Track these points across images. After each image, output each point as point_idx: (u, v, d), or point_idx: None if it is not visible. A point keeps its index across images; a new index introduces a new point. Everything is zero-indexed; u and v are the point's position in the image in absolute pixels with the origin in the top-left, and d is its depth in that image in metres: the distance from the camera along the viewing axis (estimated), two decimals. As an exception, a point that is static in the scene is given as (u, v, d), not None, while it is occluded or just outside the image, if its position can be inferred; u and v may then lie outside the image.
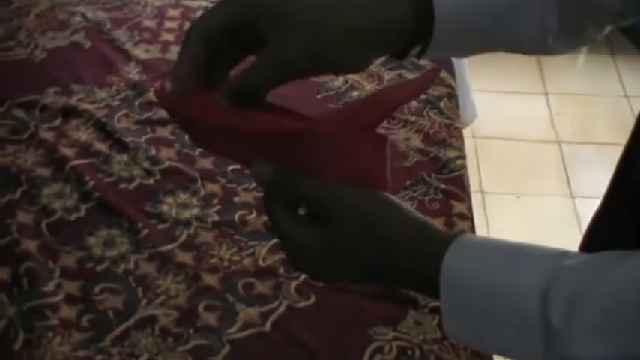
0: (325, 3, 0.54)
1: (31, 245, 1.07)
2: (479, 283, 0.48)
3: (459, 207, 1.16)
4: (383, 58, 1.45)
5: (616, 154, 0.82)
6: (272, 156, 0.57)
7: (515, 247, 0.50)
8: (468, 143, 2.34)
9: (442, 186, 1.19)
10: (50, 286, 1.02)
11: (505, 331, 0.47)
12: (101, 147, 1.23)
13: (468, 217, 1.14)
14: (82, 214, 1.13)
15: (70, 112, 1.29)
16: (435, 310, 1.02)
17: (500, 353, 0.51)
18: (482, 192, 2.23)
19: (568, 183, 2.29)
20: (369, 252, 0.53)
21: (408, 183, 1.19)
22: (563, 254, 0.48)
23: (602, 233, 0.84)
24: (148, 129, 1.27)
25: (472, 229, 1.13)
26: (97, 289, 1.03)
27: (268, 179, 0.56)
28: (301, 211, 0.57)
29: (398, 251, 0.52)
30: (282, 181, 0.55)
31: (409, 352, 0.97)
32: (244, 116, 0.56)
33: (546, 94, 2.63)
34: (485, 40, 0.62)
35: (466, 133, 2.36)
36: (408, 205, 0.55)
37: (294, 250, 0.55)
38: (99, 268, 1.06)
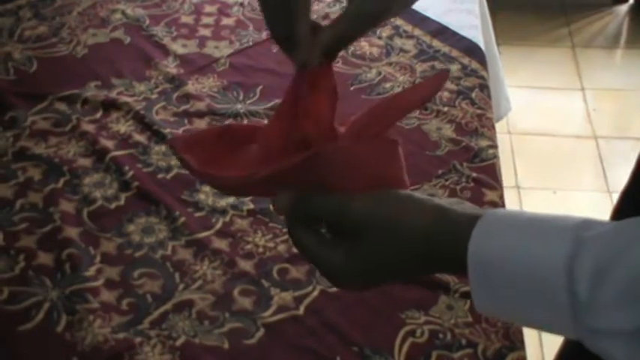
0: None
1: (73, 232, 1.11)
2: (504, 262, 0.48)
3: (490, 195, 1.16)
4: (415, 51, 1.46)
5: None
6: (292, 183, 0.58)
7: (539, 220, 0.49)
8: (504, 139, 2.35)
9: (473, 174, 1.20)
10: (91, 271, 1.05)
11: (534, 306, 0.48)
12: (140, 138, 1.27)
13: (500, 205, 1.15)
14: (122, 202, 1.16)
15: (110, 105, 1.33)
16: (466, 295, 1.03)
17: (533, 327, 0.51)
18: (518, 187, 2.23)
19: (605, 178, 2.28)
20: (398, 252, 0.54)
21: (440, 172, 1.20)
22: (585, 223, 0.47)
23: (628, 208, 0.84)
24: (185, 120, 1.31)
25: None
26: (135, 274, 1.06)
27: (288, 206, 0.58)
28: (324, 231, 0.58)
29: (426, 241, 0.53)
30: (300, 205, 0.57)
31: (440, 335, 0.99)
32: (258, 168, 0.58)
33: (583, 89, 2.62)
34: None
35: (502, 128, 2.37)
36: (421, 194, 0.56)
37: (328, 272, 0.57)
38: (138, 254, 1.09)
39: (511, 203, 1.14)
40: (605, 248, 0.45)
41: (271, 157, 0.59)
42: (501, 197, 1.17)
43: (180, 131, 1.28)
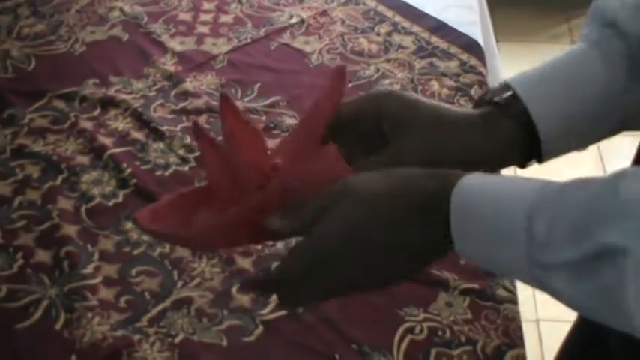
0: (442, 119, 0.61)
1: (71, 230, 1.10)
2: (479, 210, 0.53)
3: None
4: (413, 47, 1.46)
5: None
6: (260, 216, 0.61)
7: (509, 179, 0.55)
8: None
9: (473, 171, 1.19)
10: (89, 269, 1.05)
11: (499, 248, 0.53)
12: (138, 136, 1.26)
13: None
14: (120, 200, 1.16)
15: (108, 103, 1.33)
16: (466, 292, 1.03)
17: (496, 269, 0.58)
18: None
19: (604, 174, 2.27)
20: (373, 228, 0.56)
21: (438, 169, 1.20)
22: (548, 182, 0.53)
23: None
24: (184, 118, 1.30)
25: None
26: (134, 271, 1.06)
27: (287, 223, 0.60)
28: None
29: (404, 182, 0.56)
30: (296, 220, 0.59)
31: (440, 332, 0.99)
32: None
33: (582, 85, 2.61)
34: (597, 133, 0.66)
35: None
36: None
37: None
38: (136, 251, 1.08)
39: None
40: (560, 197, 0.51)
41: (224, 208, 0.63)
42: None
43: (177, 129, 1.27)
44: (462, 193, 0.54)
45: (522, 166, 0.65)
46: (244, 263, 1.07)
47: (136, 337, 0.97)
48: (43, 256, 1.07)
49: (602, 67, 0.63)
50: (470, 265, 1.07)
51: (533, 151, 0.63)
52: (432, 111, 0.62)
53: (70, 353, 0.95)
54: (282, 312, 1.00)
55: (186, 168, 1.21)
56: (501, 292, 1.02)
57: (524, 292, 1.10)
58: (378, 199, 0.56)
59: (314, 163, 0.61)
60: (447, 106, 0.64)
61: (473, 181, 0.55)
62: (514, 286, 1.04)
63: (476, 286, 1.04)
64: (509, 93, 0.63)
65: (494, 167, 0.64)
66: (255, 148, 0.66)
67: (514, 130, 0.62)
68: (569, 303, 0.51)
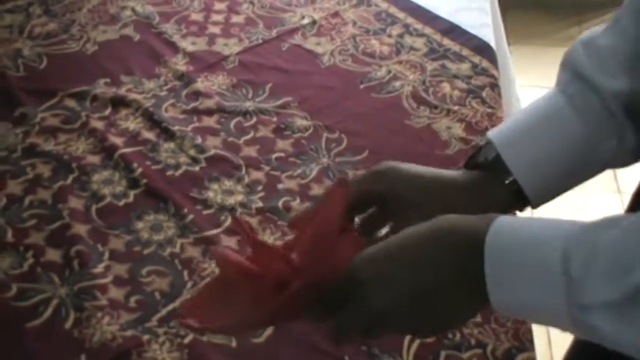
0: (435, 192, 0.67)
1: (81, 229, 1.10)
2: (514, 252, 0.53)
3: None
4: (425, 49, 1.46)
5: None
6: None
7: (538, 219, 0.55)
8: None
9: (484, 174, 1.19)
10: (99, 268, 1.05)
11: (535, 291, 0.51)
12: (149, 135, 1.26)
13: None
14: (130, 199, 1.16)
15: (119, 102, 1.33)
16: (476, 295, 1.02)
17: (535, 316, 0.55)
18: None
19: (615, 179, 2.26)
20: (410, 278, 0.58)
21: (450, 171, 1.20)
22: (576, 222, 0.53)
23: None
24: (195, 118, 1.30)
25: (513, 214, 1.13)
26: (144, 271, 1.06)
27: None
28: None
29: (448, 229, 0.57)
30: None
31: (450, 335, 0.98)
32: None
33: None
34: (580, 181, 0.71)
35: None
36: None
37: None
38: (146, 251, 1.08)
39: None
40: (594, 234, 0.51)
41: (262, 297, 0.67)
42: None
43: (188, 129, 1.27)
44: (493, 242, 0.54)
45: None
46: (254, 264, 1.06)
47: (146, 337, 0.97)
48: (53, 255, 1.07)
49: (579, 124, 0.67)
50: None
51: (522, 203, 0.69)
52: (429, 183, 0.68)
53: (80, 353, 0.95)
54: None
55: (197, 168, 1.21)
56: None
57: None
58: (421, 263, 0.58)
59: (333, 254, 0.66)
60: (441, 173, 0.70)
61: (504, 228, 0.54)
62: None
63: (486, 289, 1.03)
64: (493, 154, 0.68)
65: None
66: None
67: (505, 196, 0.68)
68: (612, 343, 0.50)
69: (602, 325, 0.49)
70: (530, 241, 0.53)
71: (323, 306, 0.62)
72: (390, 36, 1.50)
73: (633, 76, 0.66)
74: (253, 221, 1.13)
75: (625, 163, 0.71)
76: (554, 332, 1.49)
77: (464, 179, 0.69)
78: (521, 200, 0.68)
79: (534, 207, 0.69)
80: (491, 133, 0.70)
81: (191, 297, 0.79)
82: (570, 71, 0.69)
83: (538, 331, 1.02)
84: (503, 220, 0.55)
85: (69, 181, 1.18)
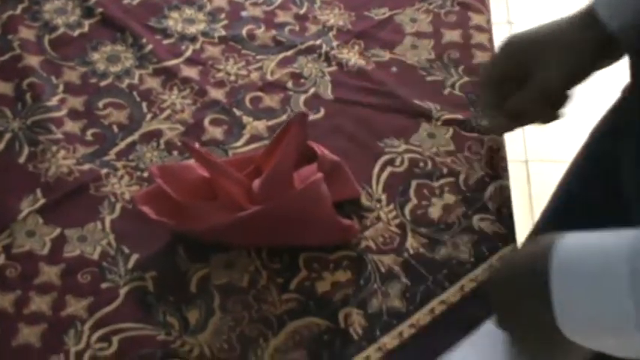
0: (558, 44, 0.70)
1: (33, 61, 1.04)
2: (581, 270, 0.51)
3: (476, 19, 1.09)
4: None
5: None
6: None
7: (597, 234, 0.52)
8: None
9: (460, -4, 1.12)
10: (54, 101, 1.00)
11: (603, 303, 0.49)
12: (104, -40, 1.17)
13: (487, 30, 1.08)
14: (85, 29, 1.09)
15: None
16: (449, 123, 0.98)
17: (602, 329, 0.51)
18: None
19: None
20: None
21: (423, -5, 1.12)
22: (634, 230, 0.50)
23: None
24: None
25: (489, 40, 1.07)
26: (100, 104, 1.01)
27: None
28: None
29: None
30: None
31: (421, 164, 0.94)
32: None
33: None
34: None
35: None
36: None
37: None
38: (103, 83, 1.03)
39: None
40: None
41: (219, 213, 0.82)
42: (488, 22, 1.10)
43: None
44: (558, 264, 0.52)
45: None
46: (217, 94, 1.01)
47: (104, 170, 0.93)
48: (4, 87, 1.01)
49: None
50: (454, 95, 1.02)
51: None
52: (550, 41, 0.70)
53: (35, 187, 0.91)
54: (256, 145, 0.96)
55: (154, -6, 1.13)
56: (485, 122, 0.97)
57: (513, 132, 1.05)
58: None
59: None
60: (555, 33, 0.71)
61: (569, 245, 0.53)
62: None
63: (459, 116, 0.98)
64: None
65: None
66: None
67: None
68: None
69: None
70: (594, 250, 0.51)
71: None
72: None
73: None
74: (216, 50, 1.06)
75: None
76: (535, 169, 1.47)
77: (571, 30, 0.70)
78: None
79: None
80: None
81: (145, 190, 0.87)
82: None
83: (517, 168, 0.99)
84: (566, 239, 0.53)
85: (18, 10, 1.11)
